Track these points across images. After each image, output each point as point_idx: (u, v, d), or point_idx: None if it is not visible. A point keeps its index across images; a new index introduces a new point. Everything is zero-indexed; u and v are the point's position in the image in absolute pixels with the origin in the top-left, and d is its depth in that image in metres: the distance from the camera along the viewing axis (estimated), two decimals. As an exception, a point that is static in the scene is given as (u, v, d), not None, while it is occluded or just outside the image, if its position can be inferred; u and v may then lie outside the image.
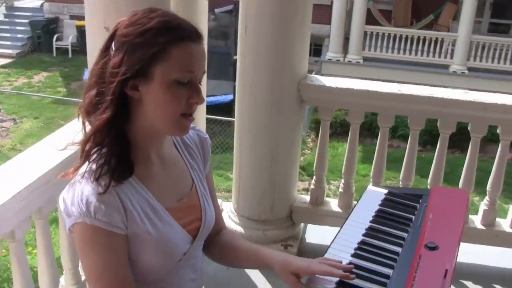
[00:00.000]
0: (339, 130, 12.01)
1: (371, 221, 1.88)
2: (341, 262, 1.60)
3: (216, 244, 1.76)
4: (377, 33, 16.23)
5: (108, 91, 1.36)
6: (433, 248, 1.64)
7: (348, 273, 1.53)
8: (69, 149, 1.47)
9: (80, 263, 2.60)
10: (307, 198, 3.62)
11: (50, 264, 2.25)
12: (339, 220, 3.46)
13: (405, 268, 1.59)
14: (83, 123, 1.43)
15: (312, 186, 3.58)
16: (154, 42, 1.34)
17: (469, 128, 3.27)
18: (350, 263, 1.63)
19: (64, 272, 2.48)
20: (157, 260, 1.46)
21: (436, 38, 16.05)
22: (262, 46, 3.10)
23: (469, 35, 15.54)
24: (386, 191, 2.09)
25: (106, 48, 1.40)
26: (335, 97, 3.30)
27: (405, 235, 1.80)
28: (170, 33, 1.36)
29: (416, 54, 16.12)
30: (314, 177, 3.56)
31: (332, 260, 1.60)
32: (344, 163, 3.51)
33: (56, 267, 2.33)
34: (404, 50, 16.17)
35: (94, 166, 1.38)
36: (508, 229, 3.39)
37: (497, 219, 3.42)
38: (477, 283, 3.24)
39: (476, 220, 3.41)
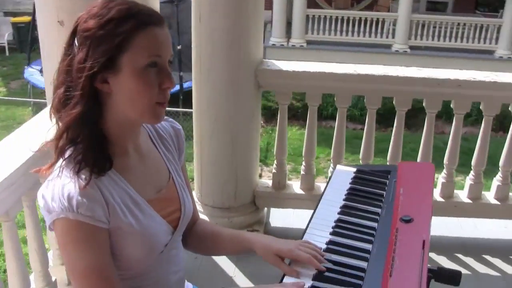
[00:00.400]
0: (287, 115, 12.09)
1: (344, 200, 1.91)
2: (321, 249, 1.62)
3: (193, 234, 1.75)
4: (319, 16, 16.32)
5: (77, 87, 1.33)
6: (408, 221, 1.68)
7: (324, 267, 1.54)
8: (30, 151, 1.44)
9: (55, 261, 2.57)
10: (269, 182, 3.64)
11: (20, 267, 2.20)
12: (302, 202, 3.52)
13: (384, 242, 1.63)
14: (56, 122, 1.40)
15: (273, 171, 3.60)
16: (116, 32, 1.32)
17: (424, 104, 3.35)
18: (329, 241, 1.66)
19: (33, 275, 2.42)
20: (139, 253, 1.45)
21: (377, 19, 16.26)
22: (217, 33, 3.09)
23: (409, 14, 15.81)
24: (355, 169, 2.12)
25: (69, 45, 1.38)
26: (292, 81, 3.32)
27: (379, 210, 1.84)
28: (131, 20, 1.33)
29: (358, 35, 16.30)
30: (275, 161, 3.58)
31: (312, 245, 1.62)
32: (304, 145, 3.54)
33: (27, 269, 2.28)
34: (347, 32, 16.33)
35: (71, 162, 1.35)
36: (466, 200, 3.50)
37: (455, 191, 3.53)
38: (441, 254, 3.33)
39: (435, 193, 3.51)
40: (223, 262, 3.17)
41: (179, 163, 1.68)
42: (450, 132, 3.43)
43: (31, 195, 2.25)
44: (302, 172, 3.58)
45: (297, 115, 12.72)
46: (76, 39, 1.36)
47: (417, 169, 2.15)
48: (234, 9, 3.03)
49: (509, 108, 3.35)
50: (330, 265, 1.55)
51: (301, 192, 3.58)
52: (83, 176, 1.33)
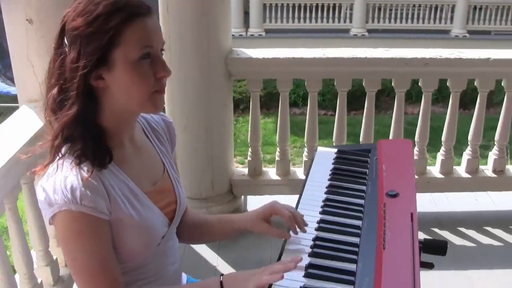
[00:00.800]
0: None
1: (329, 179, 1.94)
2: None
3: (184, 224, 1.76)
4: (276, 4, 16.35)
5: (72, 87, 1.33)
6: (394, 196, 1.73)
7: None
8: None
9: (39, 263, 2.54)
10: (245, 170, 3.67)
11: (5, 270, 2.17)
12: (279, 188, 3.56)
13: (373, 218, 1.67)
14: (49, 123, 1.40)
15: (249, 158, 3.62)
16: (106, 28, 1.31)
17: (393, 83, 3.41)
18: (320, 220, 1.69)
19: (18, 277, 2.40)
20: (139, 245, 1.46)
21: (334, 4, 16.36)
22: (185, 23, 3.08)
23: (365, -3, 16.00)
24: (335, 150, 2.16)
25: (59, 45, 1.37)
26: (262, 68, 3.35)
27: (364, 188, 1.88)
28: (120, 13, 1.32)
29: (316, 22, 16.39)
30: (250, 149, 3.60)
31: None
32: (278, 131, 3.57)
33: (13, 276, 2.27)
34: (304, 18, 16.41)
35: (70, 156, 1.35)
36: (438, 175, 3.58)
37: (428, 167, 3.61)
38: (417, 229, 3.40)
39: (408, 170, 3.57)
40: (206, 251, 3.17)
41: (172, 156, 1.69)
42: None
43: (11, 197, 2.23)
44: (277, 158, 3.62)
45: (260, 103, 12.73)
46: (65, 38, 1.35)
47: (396, 146, 2.21)
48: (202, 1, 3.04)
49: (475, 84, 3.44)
50: (323, 243, 1.58)
51: (277, 178, 3.61)
52: (85, 168, 1.34)
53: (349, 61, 3.27)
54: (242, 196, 3.75)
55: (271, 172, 3.66)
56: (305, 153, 3.62)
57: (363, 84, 3.41)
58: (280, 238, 1.62)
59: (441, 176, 3.58)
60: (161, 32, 1.42)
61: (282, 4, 16.36)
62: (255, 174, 3.61)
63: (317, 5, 16.36)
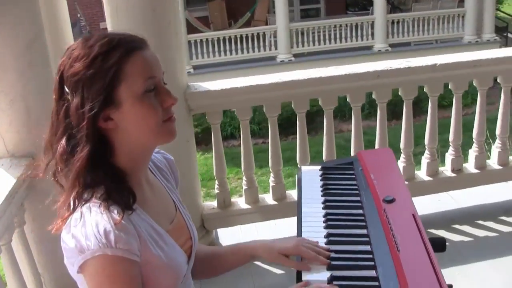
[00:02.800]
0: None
1: (322, 195, 1.98)
2: (317, 242, 1.69)
3: (196, 259, 1.74)
4: (201, 40, 16.45)
5: (80, 132, 1.32)
6: (391, 201, 1.79)
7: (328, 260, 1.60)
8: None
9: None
10: (214, 203, 3.66)
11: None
12: (250, 216, 3.58)
13: (377, 224, 1.72)
14: (64, 175, 1.37)
15: (216, 191, 3.62)
16: (106, 66, 1.32)
17: (348, 99, 3.51)
18: (328, 234, 1.72)
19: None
20: (165, 285, 1.44)
21: (258, 33, 16.65)
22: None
23: (287, 24, 16.34)
24: (319, 167, 2.20)
25: (60, 96, 1.36)
26: (221, 100, 3.38)
27: (358, 198, 1.93)
28: (116, 51, 1.33)
29: (242, 53, 16.59)
30: (217, 181, 3.61)
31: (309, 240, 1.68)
32: (242, 159, 3.58)
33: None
34: (230, 51, 16.60)
35: (96, 202, 1.33)
36: (426, 178, 3.74)
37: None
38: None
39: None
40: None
41: (177, 193, 1.69)
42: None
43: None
44: (244, 187, 3.63)
45: (197, 140, 12.74)
46: (65, 87, 1.34)
47: (378, 155, 2.29)
48: (155, 35, 3.04)
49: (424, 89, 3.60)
50: (338, 255, 1.61)
51: (248, 206, 3.62)
52: (115, 211, 1.31)
53: (305, 82, 3.34)
54: (213, 230, 3.73)
55: (240, 202, 3.66)
56: (271, 178, 3.64)
57: (320, 103, 3.49)
58: (301, 269, 1.60)
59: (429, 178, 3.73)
60: (159, 63, 1.42)
61: (206, 39, 16.49)
62: (225, 206, 3.61)
63: (241, 37, 16.58)
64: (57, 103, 1.36)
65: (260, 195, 3.69)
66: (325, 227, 1.77)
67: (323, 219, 1.82)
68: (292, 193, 3.69)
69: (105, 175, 1.35)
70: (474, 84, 3.69)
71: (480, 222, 3.67)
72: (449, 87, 3.65)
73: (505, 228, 3.63)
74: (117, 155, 1.40)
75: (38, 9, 2.55)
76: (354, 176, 2.08)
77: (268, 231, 3.68)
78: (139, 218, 1.39)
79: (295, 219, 3.48)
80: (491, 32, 16.95)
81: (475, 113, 3.77)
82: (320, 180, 2.09)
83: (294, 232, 1.80)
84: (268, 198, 3.66)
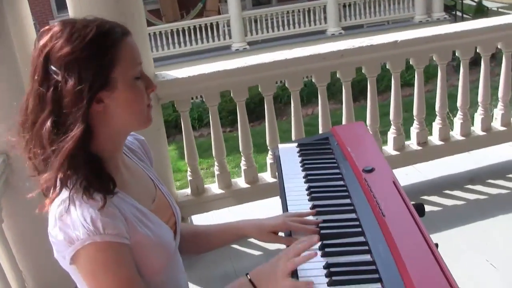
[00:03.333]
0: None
1: (303, 170, 2.02)
2: (310, 214, 1.74)
3: (182, 237, 1.77)
4: (154, 33, 16.34)
5: (74, 113, 1.31)
6: (371, 170, 1.85)
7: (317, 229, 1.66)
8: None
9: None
10: (187, 191, 3.68)
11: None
12: (224, 201, 3.61)
13: (359, 194, 1.77)
14: (46, 158, 1.35)
15: (189, 178, 3.64)
16: (103, 49, 1.33)
17: (313, 79, 3.57)
18: (312, 206, 1.77)
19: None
20: (158, 263, 1.47)
21: (211, 23, 16.65)
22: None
23: (240, 12, 16.39)
24: (296, 144, 2.24)
25: (44, 76, 1.33)
26: (189, 87, 3.39)
27: (338, 170, 1.98)
28: (111, 36, 1.36)
29: (197, 43, 16.59)
30: (189, 168, 3.63)
31: (299, 213, 1.74)
32: (213, 145, 3.61)
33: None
34: (184, 42, 16.57)
35: (78, 190, 1.33)
36: (393, 152, 3.84)
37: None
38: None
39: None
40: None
41: (154, 171, 1.71)
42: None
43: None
44: (216, 172, 3.66)
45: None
46: (53, 67, 1.32)
47: (352, 129, 2.34)
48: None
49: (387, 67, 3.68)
50: (326, 224, 1.66)
51: (221, 191, 3.66)
52: (98, 197, 1.32)
53: (271, 65, 3.38)
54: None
55: (214, 187, 3.69)
56: (242, 162, 3.68)
57: (286, 85, 3.54)
58: (288, 244, 1.63)
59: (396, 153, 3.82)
60: None
61: (160, 32, 16.44)
62: (198, 193, 3.63)
63: (194, 27, 16.56)
64: (39, 84, 1.34)
65: (232, 180, 3.72)
66: (310, 200, 1.82)
67: (307, 192, 1.86)
68: (264, 176, 3.73)
69: (86, 160, 1.35)
70: (434, 59, 3.79)
71: (448, 192, 3.79)
72: (410, 62, 3.74)
73: (471, 196, 3.76)
74: (96, 140, 1.40)
75: (1, 5, 2.52)
76: (331, 150, 2.12)
77: (242, 215, 3.71)
78: (122, 201, 1.41)
79: (268, 200, 3.53)
80: (441, 11, 17.34)
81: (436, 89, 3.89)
82: (299, 156, 2.13)
83: (268, 214, 1.84)
84: (240, 182, 3.70)
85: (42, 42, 1.36)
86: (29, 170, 1.43)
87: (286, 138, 3.92)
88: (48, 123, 1.33)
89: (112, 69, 1.35)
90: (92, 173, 1.35)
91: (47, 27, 1.40)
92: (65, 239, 1.31)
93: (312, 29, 16.83)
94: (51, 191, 1.37)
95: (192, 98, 3.64)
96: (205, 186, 3.70)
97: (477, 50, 3.85)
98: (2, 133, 2.48)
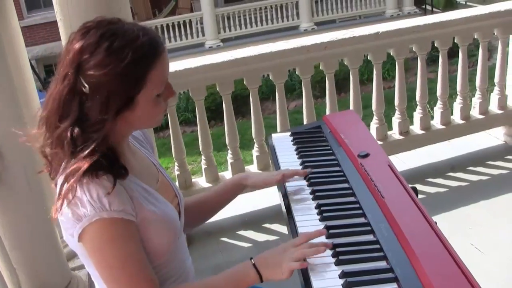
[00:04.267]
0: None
1: (299, 158, 2.07)
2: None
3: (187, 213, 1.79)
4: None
5: (97, 130, 1.35)
6: (366, 156, 1.91)
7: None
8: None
9: None
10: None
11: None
12: (211, 194, 3.61)
13: (357, 178, 1.83)
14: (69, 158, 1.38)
15: (177, 172, 3.66)
16: (135, 77, 1.35)
17: (297, 72, 3.62)
18: (312, 191, 1.82)
19: None
20: (164, 240, 1.50)
21: (184, 21, 16.60)
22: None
23: (213, 9, 16.38)
24: (289, 133, 2.29)
25: (73, 86, 1.35)
26: (176, 81, 3.36)
27: (333, 157, 2.03)
28: (145, 59, 1.36)
29: (170, 41, 16.49)
30: (176, 163, 3.65)
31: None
32: (200, 140, 3.64)
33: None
34: (158, 40, 16.46)
35: (86, 173, 1.35)
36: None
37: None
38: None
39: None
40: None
41: (154, 156, 1.75)
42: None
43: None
44: (204, 166, 3.69)
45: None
46: (81, 79, 1.34)
47: (343, 117, 2.40)
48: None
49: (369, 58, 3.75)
50: (327, 208, 1.71)
51: (209, 185, 3.68)
52: (105, 177, 1.36)
53: (257, 58, 3.43)
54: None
55: (201, 181, 3.72)
56: (229, 155, 3.72)
57: (271, 77, 3.59)
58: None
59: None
60: None
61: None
62: (186, 186, 3.66)
63: (167, 25, 16.51)
64: (68, 91, 1.36)
65: (220, 173, 3.76)
66: (309, 185, 1.86)
67: (304, 179, 1.91)
68: (250, 168, 3.78)
69: (99, 153, 1.37)
70: (414, 49, 3.87)
71: (430, 179, 3.87)
72: (391, 53, 3.82)
73: (453, 183, 3.86)
74: (110, 136, 1.42)
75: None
76: (324, 138, 2.17)
77: (230, 208, 3.75)
78: (128, 181, 1.44)
79: (255, 193, 3.58)
80: (411, 5, 17.57)
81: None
82: (293, 145, 2.17)
83: (256, 207, 1.94)
84: (228, 175, 3.73)
85: (77, 46, 1.36)
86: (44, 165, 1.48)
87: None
88: (69, 132, 1.36)
89: (139, 93, 1.38)
90: (107, 163, 1.38)
91: (83, 28, 1.39)
92: (73, 216, 1.35)
93: (285, 25, 16.91)
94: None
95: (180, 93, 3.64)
96: (193, 180, 3.73)
97: (455, 41, 3.94)
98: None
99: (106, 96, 1.34)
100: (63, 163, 1.41)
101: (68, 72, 1.36)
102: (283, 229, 3.44)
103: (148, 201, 1.47)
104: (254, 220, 3.57)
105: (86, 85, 1.34)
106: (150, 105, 1.41)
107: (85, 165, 1.33)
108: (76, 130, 1.35)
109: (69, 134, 1.36)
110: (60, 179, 1.39)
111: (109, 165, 1.38)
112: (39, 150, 1.46)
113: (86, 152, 1.34)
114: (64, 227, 1.40)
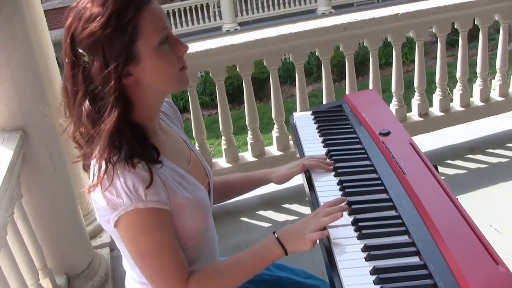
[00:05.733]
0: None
1: (320, 136, 2.09)
2: (325, 159, 1.90)
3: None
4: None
5: (107, 92, 1.34)
6: (387, 134, 1.92)
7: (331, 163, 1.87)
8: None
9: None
10: (195, 165, 3.73)
11: None
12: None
13: (378, 155, 1.85)
14: (89, 138, 1.40)
15: (197, 153, 3.69)
16: (123, 24, 1.33)
17: (317, 53, 3.63)
18: (334, 167, 1.84)
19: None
20: (198, 224, 1.52)
21: (201, 5, 16.61)
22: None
23: (230, -7, 16.37)
24: (310, 112, 2.31)
25: (73, 58, 1.37)
26: (197, 61, 3.42)
27: (355, 135, 2.05)
28: (130, 7, 1.35)
29: (187, 25, 16.57)
30: (197, 143, 3.68)
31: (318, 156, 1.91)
32: (220, 120, 3.67)
33: None
34: (175, 24, 16.56)
35: (121, 161, 1.36)
36: None
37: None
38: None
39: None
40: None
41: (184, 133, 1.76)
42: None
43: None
44: (224, 147, 3.72)
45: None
46: (78, 49, 1.35)
47: (364, 96, 2.41)
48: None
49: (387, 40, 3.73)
50: (349, 184, 1.74)
51: (229, 165, 3.72)
52: (140, 165, 1.36)
53: (276, 39, 3.44)
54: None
55: (221, 161, 3.76)
56: (249, 136, 3.75)
57: (291, 59, 3.60)
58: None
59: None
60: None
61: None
62: (207, 167, 3.68)
63: (185, 9, 16.51)
64: (71, 67, 1.37)
65: (240, 154, 3.79)
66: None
67: (327, 156, 1.93)
68: (270, 149, 3.80)
69: (130, 132, 1.38)
70: (434, 31, 3.86)
71: (449, 161, 3.88)
72: (411, 35, 3.81)
73: (472, 165, 3.86)
74: (135, 110, 1.43)
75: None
76: (346, 117, 2.19)
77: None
78: (162, 165, 1.44)
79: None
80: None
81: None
82: (315, 123, 2.19)
83: (276, 187, 2.00)
84: (247, 156, 3.77)
85: (67, 22, 1.38)
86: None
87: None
88: (86, 104, 1.36)
89: (135, 42, 1.35)
90: (137, 144, 1.39)
91: (72, 5, 1.40)
92: (108, 205, 1.36)
93: (302, 8, 16.88)
94: (98, 167, 1.38)
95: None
96: (213, 160, 3.76)
97: (475, 22, 3.92)
98: (17, 108, 2.53)
99: (103, 53, 1.32)
100: (93, 146, 1.41)
101: (66, 48, 1.37)
102: (303, 209, 3.47)
103: (182, 187, 1.48)
104: (274, 200, 3.61)
105: (83, 52, 1.34)
106: (155, 56, 1.37)
107: (107, 125, 1.33)
108: (88, 100, 1.36)
109: (84, 106, 1.36)
110: (93, 161, 1.41)
111: (140, 147, 1.39)
112: (72, 139, 1.47)
113: (105, 114, 1.34)
114: (100, 214, 1.42)
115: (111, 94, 1.34)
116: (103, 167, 1.35)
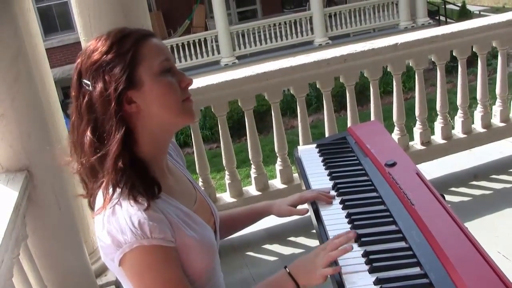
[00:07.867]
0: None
1: (326, 169, 2.09)
2: (329, 192, 1.91)
3: None
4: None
5: (108, 117, 1.36)
6: (393, 164, 1.92)
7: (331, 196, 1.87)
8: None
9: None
10: (199, 200, 3.72)
11: None
12: (237, 209, 3.65)
13: (385, 186, 1.84)
14: (95, 166, 1.41)
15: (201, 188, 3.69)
16: (124, 50, 1.38)
17: (318, 85, 3.66)
18: (341, 201, 1.84)
19: None
20: (204, 263, 1.51)
21: (199, 39, 16.73)
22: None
23: (227, 27, 16.49)
24: (314, 145, 2.31)
25: (79, 90, 1.40)
26: (198, 97, 3.42)
27: (361, 167, 2.05)
28: (130, 37, 1.40)
29: (186, 60, 16.61)
30: (200, 178, 3.68)
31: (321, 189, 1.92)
32: (223, 154, 3.68)
33: None
34: (179, 58, 16.60)
35: (124, 192, 1.37)
36: None
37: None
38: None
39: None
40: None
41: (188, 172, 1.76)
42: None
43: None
44: (228, 181, 3.72)
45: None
46: (84, 80, 1.39)
47: (368, 127, 2.42)
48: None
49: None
50: (357, 217, 1.73)
51: (233, 199, 3.72)
52: (140, 200, 1.36)
53: (277, 72, 3.47)
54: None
55: (225, 196, 3.75)
56: (252, 170, 3.75)
57: (291, 91, 3.62)
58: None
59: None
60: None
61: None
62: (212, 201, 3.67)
63: (183, 44, 16.65)
64: (76, 99, 1.41)
65: (244, 188, 3.79)
66: (338, 195, 1.88)
67: (333, 189, 1.93)
68: (274, 182, 3.80)
69: (131, 163, 1.39)
70: (433, 59, 3.90)
71: (454, 189, 3.87)
72: (411, 64, 3.84)
73: (476, 192, 3.85)
74: (139, 143, 1.44)
75: (19, 24, 2.58)
76: (350, 149, 2.19)
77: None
78: (167, 204, 1.45)
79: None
80: (425, 16, 17.58)
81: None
82: (320, 156, 2.19)
83: (281, 220, 2.00)
84: (251, 190, 3.76)
85: (77, 61, 1.43)
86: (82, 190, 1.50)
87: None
88: (88, 132, 1.38)
89: (136, 67, 1.38)
90: (137, 176, 1.39)
91: (87, 45, 1.46)
92: (113, 243, 1.35)
93: (299, 40, 16.98)
94: (103, 197, 1.40)
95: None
96: (217, 195, 3.76)
97: (473, 49, 3.96)
98: (21, 149, 2.54)
99: (103, 77, 1.36)
100: (97, 180, 1.42)
101: (73, 83, 1.42)
102: (309, 242, 3.46)
103: (188, 226, 1.47)
104: (280, 233, 3.59)
105: (87, 81, 1.38)
106: (157, 82, 1.40)
107: (112, 150, 1.35)
108: (90, 129, 1.38)
109: (87, 134, 1.38)
110: (99, 192, 1.42)
111: (140, 180, 1.39)
112: (77, 174, 1.48)
113: (107, 142, 1.37)
114: (104, 252, 1.41)
115: (112, 118, 1.36)
116: (110, 190, 1.37)
